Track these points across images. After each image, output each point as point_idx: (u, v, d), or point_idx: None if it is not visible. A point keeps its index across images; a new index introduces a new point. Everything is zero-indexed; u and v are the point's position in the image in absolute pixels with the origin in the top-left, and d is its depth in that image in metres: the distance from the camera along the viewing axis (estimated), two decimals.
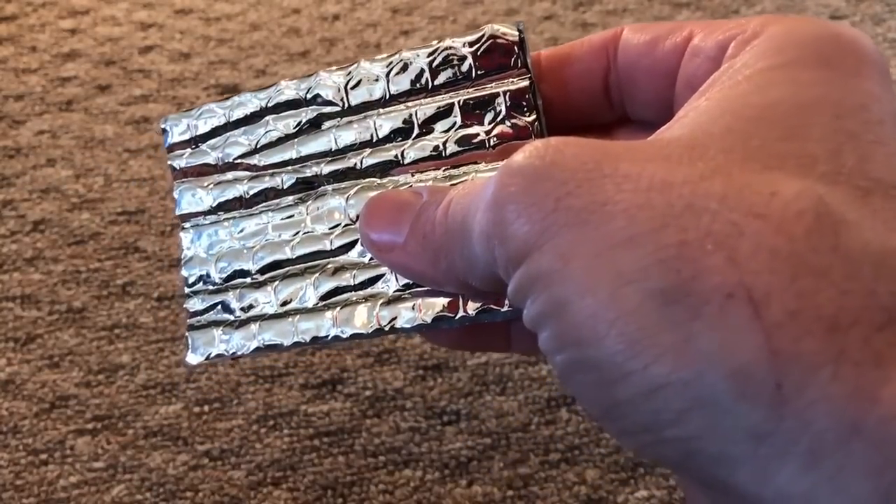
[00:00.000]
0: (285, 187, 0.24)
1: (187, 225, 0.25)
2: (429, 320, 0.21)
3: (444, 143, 0.22)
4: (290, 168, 0.24)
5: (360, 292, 0.22)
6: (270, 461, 0.32)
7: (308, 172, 0.23)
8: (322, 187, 0.23)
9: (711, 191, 0.13)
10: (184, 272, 0.25)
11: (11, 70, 0.49)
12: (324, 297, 0.22)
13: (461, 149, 0.22)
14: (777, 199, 0.13)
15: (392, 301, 0.22)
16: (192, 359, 0.24)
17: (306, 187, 0.23)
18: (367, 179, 0.23)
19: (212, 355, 0.24)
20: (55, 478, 0.32)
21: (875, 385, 0.12)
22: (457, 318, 0.21)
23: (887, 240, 0.13)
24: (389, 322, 0.21)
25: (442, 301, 0.21)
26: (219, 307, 0.24)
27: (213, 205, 0.25)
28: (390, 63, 0.22)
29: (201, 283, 0.25)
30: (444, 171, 0.22)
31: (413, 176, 0.22)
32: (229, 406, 0.34)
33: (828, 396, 0.12)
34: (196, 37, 0.53)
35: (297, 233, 0.23)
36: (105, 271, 0.39)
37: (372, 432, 0.33)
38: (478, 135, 0.22)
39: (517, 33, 0.21)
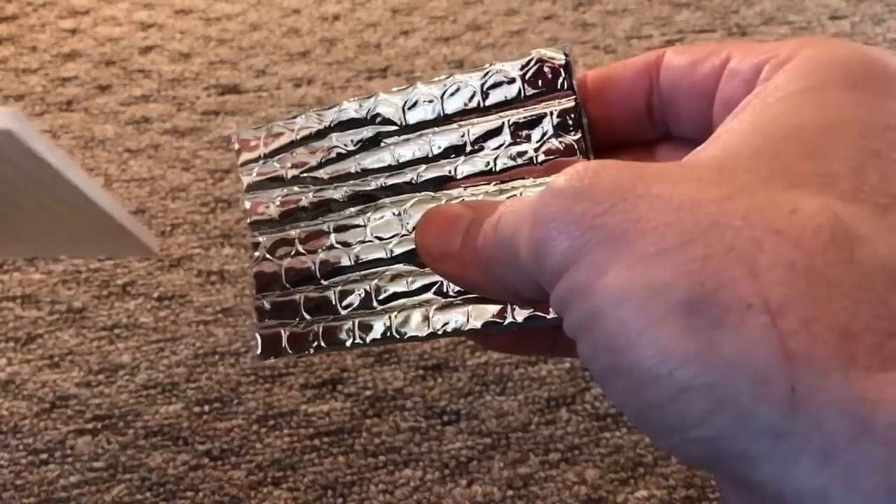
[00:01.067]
0: (347, 199, 0.25)
1: (257, 233, 0.27)
2: (479, 325, 0.23)
3: (495, 160, 0.23)
4: (351, 181, 0.25)
5: (416, 298, 0.24)
6: (271, 461, 0.32)
7: (368, 186, 0.25)
8: (381, 200, 0.25)
9: (736, 209, 0.14)
10: (255, 274, 0.27)
11: (12, 70, 0.49)
12: (382, 302, 0.24)
13: (511, 165, 0.23)
14: (796, 216, 0.14)
15: (445, 307, 0.23)
16: (260, 357, 0.26)
17: (366, 200, 0.25)
18: (422, 193, 0.24)
19: (279, 354, 0.25)
20: (55, 477, 0.32)
21: (883, 388, 0.12)
22: (505, 323, 0.22)
23: None
24: (442, 326, 0.23)
25: (492, 308, 0.22)
26: (285, 310, 0.26)
27: (280, 215, 0.26)
28: (445, 85, 0.24)
29: (270, 288, 0.26)
30: (495, 185, 0.23)
31: (465, 190, 0.24)
32: (229, 406, 0.34)
33: (838, 399, 0.12)
34: (196, 37, 0.53)
35: (359, 242, 0.25)
36: (105, 271, 0.39)
37: (372, 432, 0.33)
38: (526, 152, 0.23)
39: (564, 57, 0.23)
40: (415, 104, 0.24)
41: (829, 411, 0.12)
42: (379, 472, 0.32)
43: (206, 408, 0.34)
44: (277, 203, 0.26)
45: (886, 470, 0.12)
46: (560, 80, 0.23)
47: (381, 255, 0.24)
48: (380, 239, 0.25)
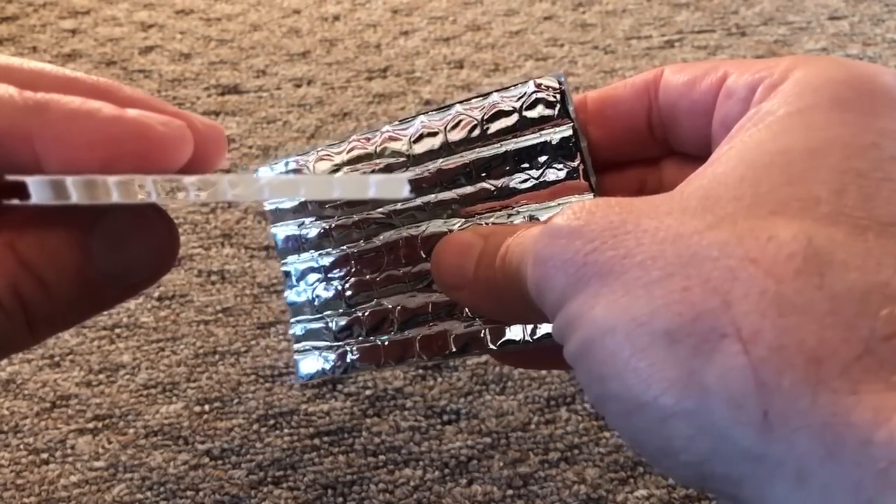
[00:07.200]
0: (365, 227, 0.26)
1: (286, 261, 0.28)
2: (495, 346, 0.24)
3: (500, 186, 0.24)
4: (367, 210, 0.26)
5: (436, 321, 0.25)
6: (271, 460, 0.32)
7: (382, 214, 0.26)
8: (397, 229, 0.26)
9: (716, 239, 0.15)
10: (288, 301, 0.28)
11: None
12: (405, 325, 0.25)
13: (516, 190, 0.24)
14: (772, 244, 0.14)
15: (464, 329, 0.24)
16: (300, 380, 0.28)
17: (381, 228, 0.26)
18: (434, 221, 0.25)
19: (315, 376, 0.27)
20: (56, 477, 0.32)
21: (851, 411, 0.13)
22: (520, 342, 0.23)
23: (873, 277, 0.14)
24: (462, 347, 0.24)
25: (507, 328, 0.24)
26: (316, 334, 0.27)
27: (306, 243, 0.28)
28: (446, 117, 0.25)
29: (302, 313, 0.28)
30: (502, 210, 0.24)
31: (474, 217, 0.25)
32: (230, 405, 0.34)
33: (808, 423, 0.13)
34: (197, 37, 0.53)
35: (379, 268, 0.26)
36: None
37: (372, 431, 0.33)
38: (529, 178, 0.24)
39: (559, 85, 0.23)
40: (420, 137, 0.25)
41: (801, 435, 0.13)
42: (379, 471, 0.32)
43: (207, 407, 0.34)
44: (303, 232, 0.28)
45: (857, 490, 0.12)
46: (557, 107, 0.23)
47: (400, 280, 0.26)
48: (399, 265, 0.26)
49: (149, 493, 0.31)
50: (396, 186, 0.18)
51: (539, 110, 0.24)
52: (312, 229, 0.27)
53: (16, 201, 0.16)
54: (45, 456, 0.33)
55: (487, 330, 0.24)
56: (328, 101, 0.48)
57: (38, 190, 0.16)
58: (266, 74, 0.50)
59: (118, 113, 0.17)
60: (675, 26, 0.53)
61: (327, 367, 0.27)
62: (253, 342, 0.36)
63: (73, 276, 0.18)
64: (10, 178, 0.16)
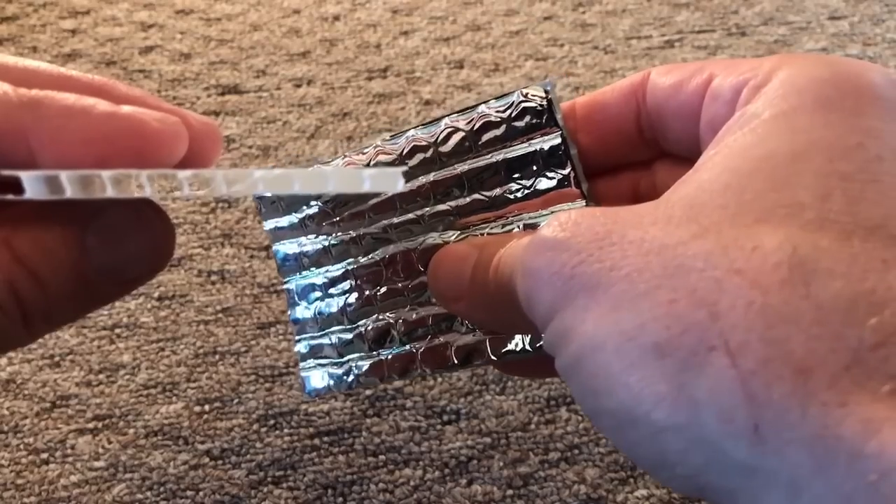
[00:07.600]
0: (363, 243, 0.26)
1: (288, 280, 0.29)
2: (495, 357, 0.24)
3: (493, 198, 0.24)
4: (364, 226, 0.27)
5: (437, 333, 0.25)
6: (271, 460, 0.32)
7: (378, 229, 0.26)
8: (394, 243, 0.26)
9: (701, 250, 0.15)
10: (292, 318, 0.29)
11: None
12: (406, 339, 0.26)
13: (509, 200, 0.24)
14: (756, 254, 0.14)
15: (464, 341, 0.25)
16: (306, 395, 0.28)
17: (379, 243, 0.26)
18: (430, 233, 0.25)
19: (322, 392, 0.28)
20: (56, 477, 0.32)
21: (841, 423, 0.13)
22: (519, 351, 0.23)
23: (858, 285, 0.14)
24: (463, 358, 0.24)
25: (506, 338, 0.24)
26: (321, 350, 0.28)
27: (306, 261, 0.28)
28: (436, 130, 0.25)
29: (306, 331, 0.28)
30: (497, 220, 0.24)
31: (470, 228, 0.25)
32: (230, 405, 0.34)
33: (799, 436, 0.13)
34: (196, 37, 0.53)
35: (378, 283, 0.26)
36: None
37: (372, 431, 0.33)
38: (521, 188, 0.24)
39: (545, 94, 0.23)
40: (412, 151, 0.25)
41: (792, 447, 0.13)
42: (379, 471, 0.32)
43: (207, 407, 0.34)
44: (302, 250, 0.28)
45: (848, 503, 0.12)
46: (544, 116, 0.23)
47: (400, 294, 0.26)
48: (398, 279, 0.26)
49: (149, 493, 0.31)
50: (391, 180, 0.18)
51: (527, 120, 0.24)
52: (311, 247, 0.28)
53: (11, 196, 0.16)
54: (45, 456, 0.33)
55: (488, 341, 0.24)
56: (328, 101, 0.48)
57: (33, 185, 0.16)
58: (266, 74, 0.50)
59: (113, 109, 0.17)
60: (675, 26, 0.53)
61: (332, 383, 0.27)
62: (253, 342, 0.36)
63: (68, 272, 0.18)
64: (5, 173, 0.16)
